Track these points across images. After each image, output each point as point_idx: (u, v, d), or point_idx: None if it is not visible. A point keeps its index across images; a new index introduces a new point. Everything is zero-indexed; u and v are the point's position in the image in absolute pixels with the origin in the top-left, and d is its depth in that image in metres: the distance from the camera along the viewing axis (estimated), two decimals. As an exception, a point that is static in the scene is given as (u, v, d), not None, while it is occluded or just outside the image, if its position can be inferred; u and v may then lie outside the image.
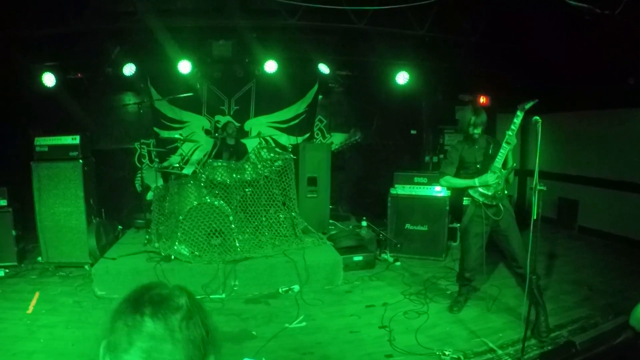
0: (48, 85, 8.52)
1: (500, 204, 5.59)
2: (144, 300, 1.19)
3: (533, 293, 5.32)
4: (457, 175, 5.86)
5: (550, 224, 10.12)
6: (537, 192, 4.77)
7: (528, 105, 5.18)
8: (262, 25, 8.22)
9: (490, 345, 5.24)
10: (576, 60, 7.84)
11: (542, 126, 4.64)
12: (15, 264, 7.56)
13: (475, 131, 5.65)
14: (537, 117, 4.71)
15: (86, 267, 7.38)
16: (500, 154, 5.40)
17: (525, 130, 9.37)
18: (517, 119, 5.22)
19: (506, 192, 5.63)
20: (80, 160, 7.44)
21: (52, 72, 8.49)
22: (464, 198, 5.96)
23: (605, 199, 9.34)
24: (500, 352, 5.10)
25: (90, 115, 9.43)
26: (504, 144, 5.34)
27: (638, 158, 8.55)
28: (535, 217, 4.72)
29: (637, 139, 8.52)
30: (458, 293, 6.30)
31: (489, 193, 5.56)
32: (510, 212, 5.67)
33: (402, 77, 9.61)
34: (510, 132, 5.26)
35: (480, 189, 5.58)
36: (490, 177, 5.49)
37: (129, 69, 8.80)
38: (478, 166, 5.70)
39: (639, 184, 8.59)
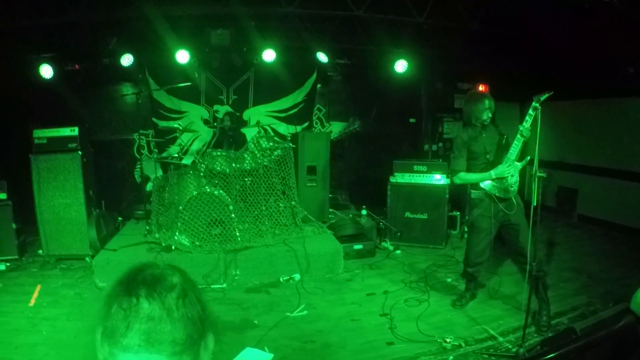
0: (45, 77, 8.45)
1: (512, 198, 5.40)
2: (138, 282, 1.17)
3: (537, 288, 5.33)
4: (467, 167, 5.67)
5: (550, 213, 10.13)
6: (537, 178, 4.78)
7: (543, 97, 4.89)
8: (260, 12, 8.18)
9: (491, 332, 5.28)
10: (576, 48, 7.79)
11: (542, 114, 4.64)
12: (16, 257, 7.53)
13: (484, 117, 5.47)
14: (537, 104, 4.73)
15: (87, 259, 7.39)
16: (514, 145, 5.20)
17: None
18: (532, 111, 4.98)
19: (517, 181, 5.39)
20: (79, 152, 7.42)
21: (49, 64, 8.41)
22: (472, 191, 5.71)
23: (604, 188, 9.34)
24: (501, 339, 5.13)
25: (88, 106, 9.41)
26: (517, 136, 5.13)
27: (637, 147, 8.55)
28: (535, 204, 4.72)
29: (637, 128, 8.51)
30: (465, 288, 6.21)
31: (503, 186, 5.37)
32: (521, 207, 5.45)
33: (400, 65, 9.55)
34: (524, 124, 5.03)
35: (494, 182, 5.40)
36: (505, 169, 5.30)
37: (126, 60, 8.71)
38: (488, 156, 5.50)
39: (638, 173, 8.60)
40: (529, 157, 5.27)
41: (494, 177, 5.36)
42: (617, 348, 2.91)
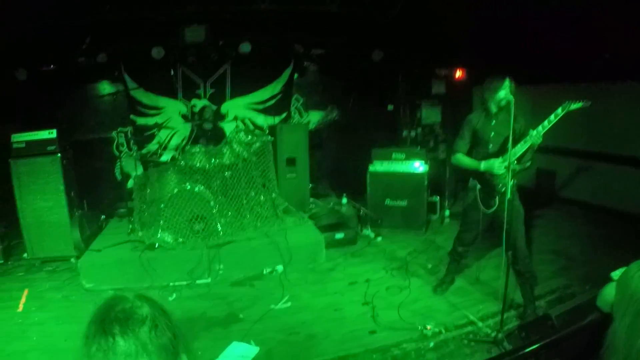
0: (21, 79, 8.41)
1: (497, 198, 5.20)
2: (110, 320, 1.24)
3: (525, 288, 5.42)
4: (470, 151, 5.48)
5: (529, 195, 10.23)
6: (510, 170, 4.86)
7: (574, 106, 4.86)
8: (233, 10, 8.19)
9: (471, 317, 5.42)
10: (553, 33, 7.86)
11: (520, 97, 4.81)
12: (2, 261, 7.56)
13: (490, 105, 5.21)
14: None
15: (72, 260, 7.41)
16: (520, 145, 4.95)
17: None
18: (555, 117, 4.90)
19: (513, 181, 4.97)
20: (59, 154, 7.40)
21: (23, 66, 8.36)
22: (470, 178, 5.55)
23: (582, 170, 9.46)
24: (480, 324, 5.27)
25: (66, 106, 9.30)
26: (526, 139, 4.92)
27: (615, 130, 8.70)
28: (509, 197, 4.80)
29: (613, 111, 8.62)
30: (446, 271, 6.26)
31: (491, 182, 5.22)
32: (515, 207, 5.03)
33: (376, 54, 9.61)
34: (540, 129, 4.91)
35: (484, 175, 5.26)
36: (497, 165, 5.10)
37: (101, 58, 8.69)
38: (490, 146, 5.27)
39: (615, 155, 8.74)
40: (528, 164, 5.19)
41: (481, 169, 5.22)
42: (590, 340, 3.05)
